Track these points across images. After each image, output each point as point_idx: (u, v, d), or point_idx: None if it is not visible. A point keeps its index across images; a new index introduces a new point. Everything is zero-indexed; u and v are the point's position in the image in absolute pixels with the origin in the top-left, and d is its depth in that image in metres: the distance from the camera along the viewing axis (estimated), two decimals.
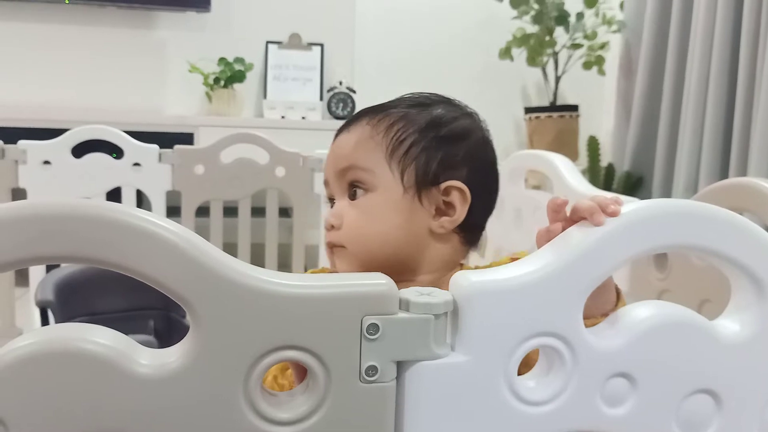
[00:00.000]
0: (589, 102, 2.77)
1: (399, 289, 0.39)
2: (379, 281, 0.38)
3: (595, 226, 0.41)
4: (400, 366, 0.39)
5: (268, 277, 0.36)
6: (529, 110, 2.69)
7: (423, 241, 0.63)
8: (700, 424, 0.43)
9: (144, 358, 0.35)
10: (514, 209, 1.25)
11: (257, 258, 1.64)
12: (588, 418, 0.41)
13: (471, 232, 0.66)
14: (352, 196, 0.64)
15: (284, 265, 1.72)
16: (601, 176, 2.55)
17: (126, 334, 0.37)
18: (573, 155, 2.53)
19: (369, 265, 0.61)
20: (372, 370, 0.38)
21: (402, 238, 0.62)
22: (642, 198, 0.48)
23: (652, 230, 0.41)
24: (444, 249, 0.64)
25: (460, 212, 0.63)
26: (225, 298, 0.35)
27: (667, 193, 2.25)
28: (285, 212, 1.83)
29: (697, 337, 0.43)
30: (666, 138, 2.27)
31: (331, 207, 0.66)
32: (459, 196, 0.63)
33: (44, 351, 0.34)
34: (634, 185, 2.45)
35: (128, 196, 1.56)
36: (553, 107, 2.66)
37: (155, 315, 1.32)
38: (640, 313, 0.43)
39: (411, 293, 0.39)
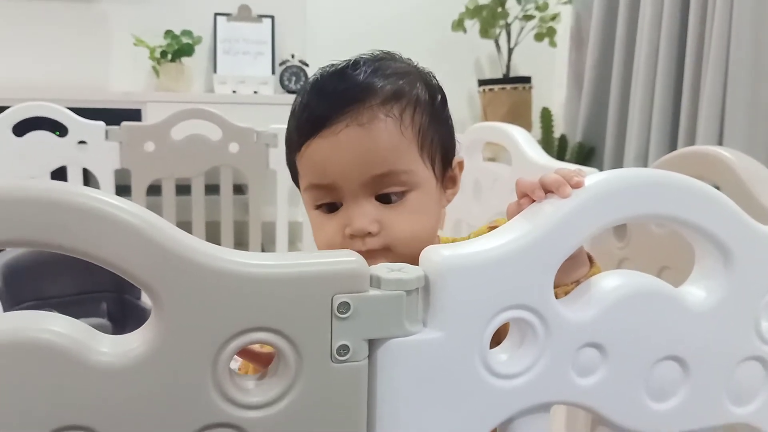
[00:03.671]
0: (542, 74, 2.78)
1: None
2: (349, 258, 0.37)
3: (562, 198, 0.41)
4: (372, 344, 0.38)
5: (234, 257, 0.35)
6: (482, 82, 2.69)
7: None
8: (668, 390, 0.44)
9: (104, 345, 0.34)
10: (473, 182, 1.25)
11: (212, 236, 1.60)
12: (560, 389, 0.41)
13: None
14: (384, 199, 0.57)
15: (241, 243, 1.70)
16: (555, 147, 2.57)
17: (78, 318, 0.35)
18: (527, 127, 2.55)
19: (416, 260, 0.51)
20: (343, 349, 0.37)
21: (437, 225, 0.60)
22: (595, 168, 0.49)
23: (620, 201, 0.41)
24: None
25: (459, 183, 0.62)
26: (189, 281, 0.34)
27: (618, 162, 2.29)
28: (240, 189, 1.80)
29: (664, 305, 0.43)
30: (617, 109, 2.30)
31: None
32: (459, 167, 0.62)
33: None
34: (587, 155, 2.48)
35: (74, 176, 1.51)
36: (506, 79, 2.66)
37: (108, 297, 1.28)
38: (609, 283, 0.43)
39: (381, 270, 0.38)
